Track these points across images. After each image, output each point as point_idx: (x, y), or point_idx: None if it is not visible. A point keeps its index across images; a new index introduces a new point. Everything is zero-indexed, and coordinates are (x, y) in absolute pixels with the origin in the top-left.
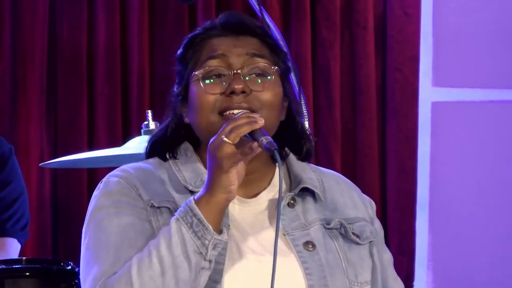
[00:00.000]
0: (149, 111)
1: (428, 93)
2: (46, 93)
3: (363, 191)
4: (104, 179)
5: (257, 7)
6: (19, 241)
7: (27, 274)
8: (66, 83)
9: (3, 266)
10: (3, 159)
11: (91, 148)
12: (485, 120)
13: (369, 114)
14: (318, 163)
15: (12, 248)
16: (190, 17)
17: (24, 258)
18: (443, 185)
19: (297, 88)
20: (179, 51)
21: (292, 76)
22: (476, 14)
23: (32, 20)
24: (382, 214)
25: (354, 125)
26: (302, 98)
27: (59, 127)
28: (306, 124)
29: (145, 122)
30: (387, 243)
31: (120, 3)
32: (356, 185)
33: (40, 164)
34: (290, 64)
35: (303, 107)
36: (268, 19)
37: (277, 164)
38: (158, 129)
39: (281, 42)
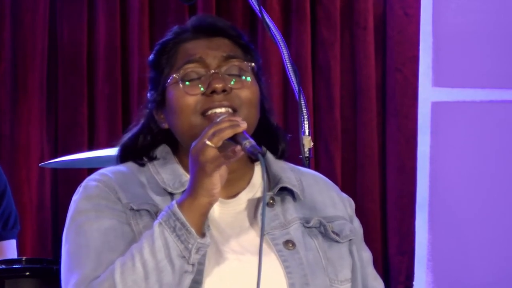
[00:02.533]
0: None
1: (428, 93)
2: (46, 93)
3: (363, 191)
4: (83, 183)
5: (257, 7)
6: (14, 238)
7: (27, 274)
8: (67, 83)
9: (3, 266)
10: None
11: (91, 148)
12: (485, 120)
13: (369, 114)
14: (318, 163)
15: (11, 251)
16: (190, 17)
17: (24, 258)
18: (443, 185)
19: (297, 88)
20: (151, 57)
21: (292, 76)
22: (476, 14)
23: (32, 21)
24: (382, 214)
25: (354, 125)
26: (302, 98)
27: (60, 127)
28: (306, 124)
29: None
30: (387, 243)
31: (120, 3)
32: (356, 185)
33: (40, 164)
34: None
35: (303, 107)
36: (268, 19)
37: (255, 163)
38: (129, 136)
39: (281, 43)
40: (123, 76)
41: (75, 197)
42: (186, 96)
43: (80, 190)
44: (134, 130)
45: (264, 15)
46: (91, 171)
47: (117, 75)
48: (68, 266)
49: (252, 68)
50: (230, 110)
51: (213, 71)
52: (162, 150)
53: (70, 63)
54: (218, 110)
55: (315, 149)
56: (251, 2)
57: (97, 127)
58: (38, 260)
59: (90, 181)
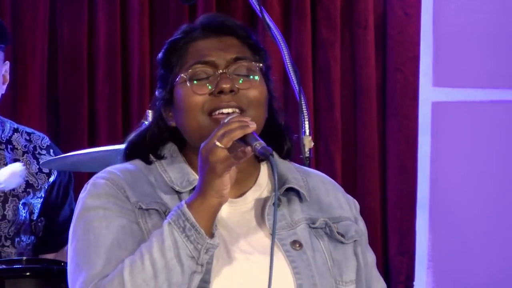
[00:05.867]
0: (150, 111)
1: (428, 93)
2: (46, 93)
3: (364, 191)
4: (90, 181)
5: (257, 7)
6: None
7: (28, 274)
8: (67, 83)
9: (4, 266)
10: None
11: (91, 148)
12: (485, 120)
13: (370, 114)
14: (318, 163)
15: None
16: (191, 17)
17: (25, 258)
18: (443, 185)
19: (297, 88)
20: (160, 56)
21: (292, 76)
22: (476, 14)
23: (32, 21)
24: (382, 214)
25: (355, 125)
26: (302, 98)
27: (60, 128)
28: (306, 124)
29: (146, 122)
30: (387, 243)
31: (120, 3)
32: (357, 185)
33: (40, 164)
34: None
35: (303, 107)
36: (268, 19)
37: (262, 163)
38: (136, 133)
39: (282, 43)
40: (123, 76)
41: (82, 194)
42: (194, 95)
43: (87, 187)
44: (141, 127)
45: (265, 15)
46: (91, 172)
47: (117, 75)
48: (75, 263)
49: (260, 68)
50: (237, 110)
51: (221, 71)
52: (169, 148)
53: (70, 63)
54: (225, 110)
55: (315, 149)
56: (252, 2)
57: (97, 127)
58: (38, 260)
59: (98, 179)
